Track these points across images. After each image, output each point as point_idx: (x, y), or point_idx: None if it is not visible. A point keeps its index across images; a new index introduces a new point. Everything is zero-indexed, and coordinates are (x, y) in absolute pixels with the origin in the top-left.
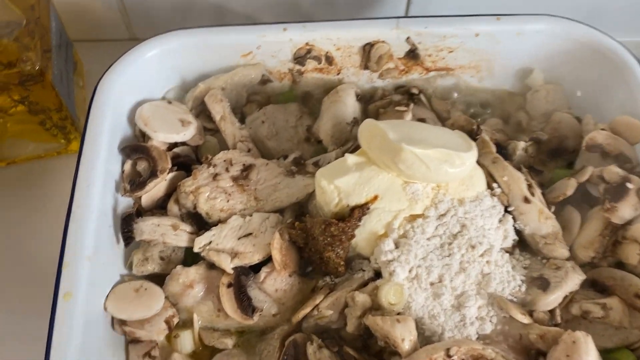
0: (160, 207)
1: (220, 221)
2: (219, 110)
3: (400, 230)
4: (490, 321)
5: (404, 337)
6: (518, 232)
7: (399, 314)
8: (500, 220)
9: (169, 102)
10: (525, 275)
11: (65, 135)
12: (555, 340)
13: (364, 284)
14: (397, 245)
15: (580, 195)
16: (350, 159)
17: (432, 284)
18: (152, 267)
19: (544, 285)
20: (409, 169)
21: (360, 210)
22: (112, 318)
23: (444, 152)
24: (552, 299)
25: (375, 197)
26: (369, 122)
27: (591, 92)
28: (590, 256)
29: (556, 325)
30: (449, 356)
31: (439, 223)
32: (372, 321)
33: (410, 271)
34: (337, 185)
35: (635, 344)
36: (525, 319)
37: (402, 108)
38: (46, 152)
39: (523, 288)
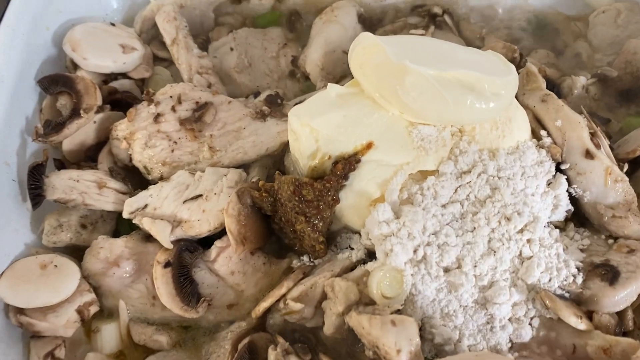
0: (91, 161)
1: (163, 178)
2: (171, 31)
3: (402, 194)
4: (531, 325)
5: (401, 346)
6: (574, 201)
7: (397, 311)
8: (549, 183)
9: (112, 24)
10: (583, 261)
11: None
12: (625, 357)
13: (351, 268)
14: (397, 215)
15: None
16: (334, 89)
17: (446, 270)
18: (67, 237)
19: (610, 275)
20: (416, 101)
21: (346, 164)
22: (7, 305)
23: (470, 76)
24: (622, 296)
25: (369, 145)
26: (364, 36)
27: None
28: None
29: (626, 334)
30: None
31: (460, 184)
32: (356, 321)
33: (415, 251)
34: (314, 127)
35: None
36: (582, 324)
37: (419, 32)
38: None
39: (579, 279)
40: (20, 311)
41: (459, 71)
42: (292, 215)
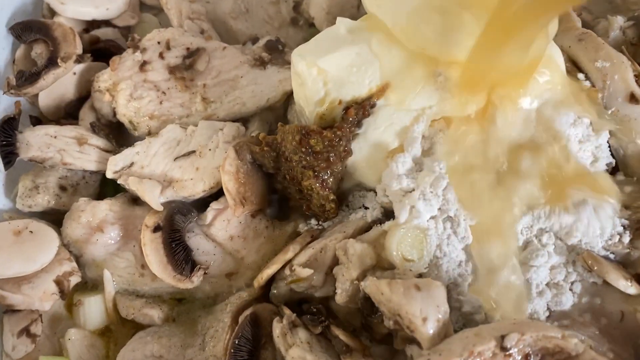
0: (72, 118)
1: (151, 133)
2: None
3: (425, 142)
4: (571, 290)
5: (427, 314)
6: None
7: (419, 275)
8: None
9: None
10: (629, 219)
11: None
12: None
13: (365, 229)
14: (419, 167)
15: None
16: (344, 24)
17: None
18: (45, 200)
19: None
20: (441, 33)
21: (359, 109)
22: None
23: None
24: None
25: (385, 87)
26: None
27: None
28: None
29: None
30: (504, 349)
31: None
32: (374, 287)
33: (439, 208)
34: (321, 68)
35: None
36: (632, 288)
37: None
38: None
39: (626, 238)
40: None
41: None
42: (299, 170)
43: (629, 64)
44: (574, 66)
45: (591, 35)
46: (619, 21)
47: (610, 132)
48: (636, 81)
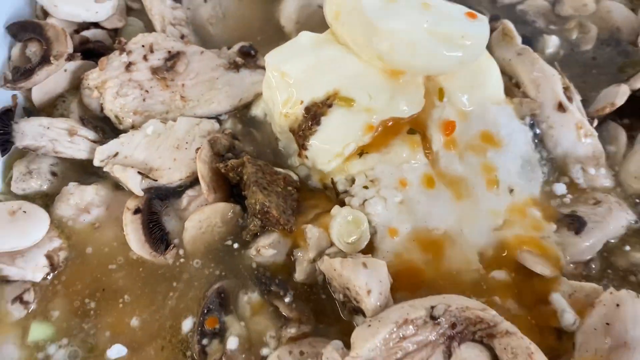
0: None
1: (134, 127)
2: None
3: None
4: None
5: (371, 287)
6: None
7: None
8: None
9: None
10: (552, 212)
11: None
12: (590, 302)
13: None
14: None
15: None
16: (306, 36)
17: None
18: (37, 184)
19: (577, 225)
20: (389, 52)
21: (316, 109)
22: None
23: (442, 29)
24: (587, 245)
25: (336, 93)
26: None
27: None
28: None
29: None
30: (434, 318)
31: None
32: (328, 264)
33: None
34: (285, 72)
35: None
36: (547, 270)
37: None
38: None
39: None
40: None
41: (432, 23)
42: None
43: (559, 77)
44: (509, 79)
45: (528, 50)
46: (553, 40)
47: (541, 137)
48: (565, 93)
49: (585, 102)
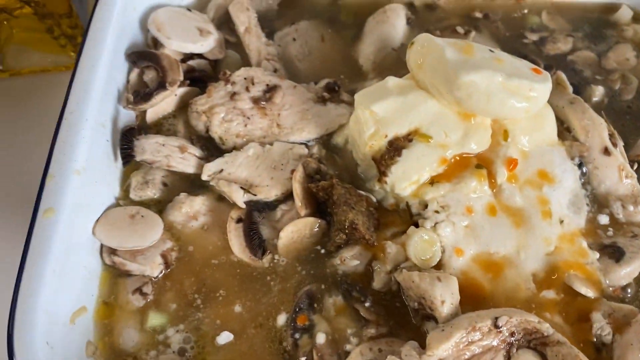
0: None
1: (236, 148)
2: (244, 20)
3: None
4: None
5: (445, 298)
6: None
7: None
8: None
9: (188, 10)
10: (596, 242)
11: (74, 47)
12: (627, 321)
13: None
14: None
15: None
16: (392, 81)
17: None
18: (152, 193)
19: (617, 255)
20: (467, 99)
21: (398, 143)
22: (102, 246)
23: (513, 82)
24: (625, 272)
25: (417, 131)
26: (424, 36)
27: None
28: None
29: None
30: (497, 327)
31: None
32: (407, 276)
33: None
34: (373, 111)
35: None
36: (590, 292)
37: (461, 30)
38: (54, 66)
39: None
40: (114, 252)
41: (505, 77)
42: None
43: (605, 125)
44: (561, 124)
45: (579, 100)
46: (600, 90)
47: (587, 176)
48: (610, 139)
49: (626, 147)
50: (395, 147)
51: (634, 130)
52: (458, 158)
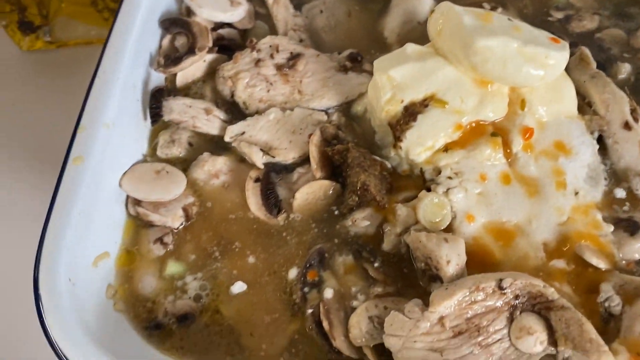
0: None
1: (258, 112)
2: None
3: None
4: None
5: (450, 259)
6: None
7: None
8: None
9: None
10: (611, 215)
11: None
12: (638, 293)
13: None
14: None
15: None
16: (411, 47)
17: None
18: (178, 151)
19: (632, 228)
20: (482, 65)
21: (414, 108)
22: (127, 197)
23: (529, 49)
24: (639, 246)
25: (433, 96)
26: (444, 4)
27: None
28: None
29: None
30: (501, 288)
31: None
32: (415, 237)
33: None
34: (391, 75)
35: None
36: (602, 264)
37: (487, 6)
38: (98, 38)
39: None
40: (138, 203)
41: (521, 43)
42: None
43: (627, 99)
44: (582, 99)
45: (601, 74)
46: (626, 67)
47: (606, 151)
48: (632, 114)
49: None
50: (411, 112)
51: None
52: (474, 125)
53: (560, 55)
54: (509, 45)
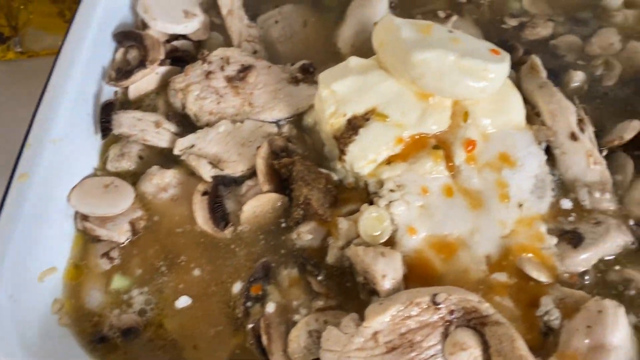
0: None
1: (209, 125)
2: (227, 3)
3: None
4: None
5: (386, 273)
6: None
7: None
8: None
9: None
10: (556, 226)
11: None
12: (577, 307)
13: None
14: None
15: None
16: (354, 60)
17: None
18: (128, 165)
19: (575, 240)
20: (420, 78)
21: (355, 122)
22: (76, 212)
23: (467, 62)
24: (582, 259)
25: (374, 110)
26: (386, 17)
27: None
28: None
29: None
30: (435, 303)
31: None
32: (353, 251)
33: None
34: (333, 89)
35: None
36: (543, 277)
37: (442, 14)
38: None
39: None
40: (85, 218)
41: (459, 58)
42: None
43: (574, 109)
44: (532, 108)
45: (549, 84)
46: (579, 75)
47: (554, 162)
48: (578, 125)
49: (602, 133)
50: (353, 126)
51: (611, 116)
52: (416, 137)
53: (499, 67)
54: (446, 58)
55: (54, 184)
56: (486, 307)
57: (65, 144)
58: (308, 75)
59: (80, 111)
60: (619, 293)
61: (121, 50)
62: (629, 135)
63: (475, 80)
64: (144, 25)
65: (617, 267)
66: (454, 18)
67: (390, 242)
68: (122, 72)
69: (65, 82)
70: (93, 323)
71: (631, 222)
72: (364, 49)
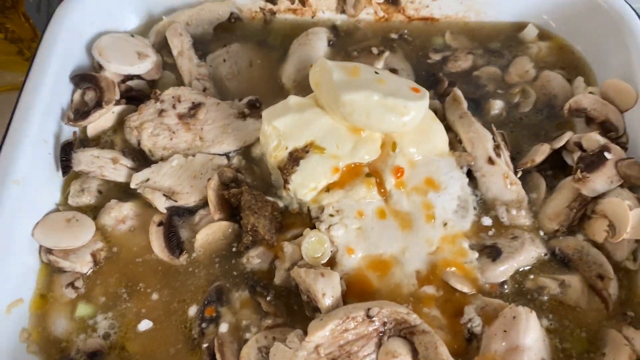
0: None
1: (163, 159)
2: (177, 44)
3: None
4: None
5: (326, 292)
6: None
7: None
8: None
9: (132, 35)
10: (478, 242)
11: None
12: (496, 314)
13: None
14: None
15: (558, 164)
16: (293, 99)
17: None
18: (88, 199)
19: (494, 254)
20: (350, 115)
21: (296, 154)
22: (40, 245)
23: (389, 100)
24: (500, 270)
25: (312, 143)
26: (320, 60)
27: (591, 52)
28: (554, 229)
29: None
30: (369, 317)
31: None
32: (296, 273)
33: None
34: (275, 125)
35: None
36: (466, 288)
37: (376, 50)
38: None
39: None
40: (49, 251)
41: (382, 96)
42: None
43: (490, 136)
44: (455, 137)
45: (468, 114)
46: (498, 104)
47: (476, 184)
48: (495, 149)
49: (519, 156)
50: (294, 158)
51: (527, 140)
52: (352, 166)
53: (417, 104)
54: (371, 98)
55: (19, 221)
56: (414, 318)
57: (27, 182)
58: (255, 110)
59: (41, 151)
60: (533, 299)
61: (79, 92)
62: (539, 158)
63: (397, 116)
64: (100, 67)
65: (531, 276)
66: (386, 54)
67: (331, 262)
68: (80, 112)
69: (26, 125)
70: (60, 349)
71: (541, 233)
72: (305, 83)
